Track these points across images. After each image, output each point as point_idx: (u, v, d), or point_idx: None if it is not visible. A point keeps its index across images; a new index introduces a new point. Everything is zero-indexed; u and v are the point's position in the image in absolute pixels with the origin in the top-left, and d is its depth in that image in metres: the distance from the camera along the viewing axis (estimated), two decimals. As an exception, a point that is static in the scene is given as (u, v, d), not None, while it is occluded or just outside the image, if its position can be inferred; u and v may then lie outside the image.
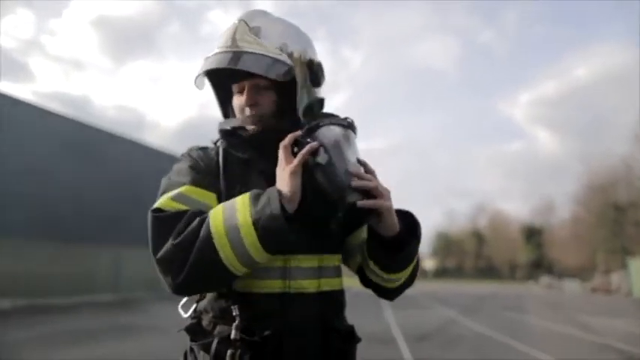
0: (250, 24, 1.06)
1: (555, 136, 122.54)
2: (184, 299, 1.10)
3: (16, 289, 12.85)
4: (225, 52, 1.04)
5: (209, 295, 1.05)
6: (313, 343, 1.00)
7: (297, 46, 1.09)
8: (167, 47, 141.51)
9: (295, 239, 0.94)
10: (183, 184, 1.01)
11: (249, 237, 0.90)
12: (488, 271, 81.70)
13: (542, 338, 9.23)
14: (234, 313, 0.98)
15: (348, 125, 1.04)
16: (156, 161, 20.45)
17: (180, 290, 0.96)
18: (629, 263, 27.34)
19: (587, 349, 8.03)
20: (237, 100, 1.11)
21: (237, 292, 1.00)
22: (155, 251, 0.95)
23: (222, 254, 0.90)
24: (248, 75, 1.04)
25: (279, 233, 0.90)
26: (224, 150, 1.08)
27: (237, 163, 1.08)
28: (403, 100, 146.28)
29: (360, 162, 1.00)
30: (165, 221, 0.95)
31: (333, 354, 1.02)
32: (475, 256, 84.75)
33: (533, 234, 73.87)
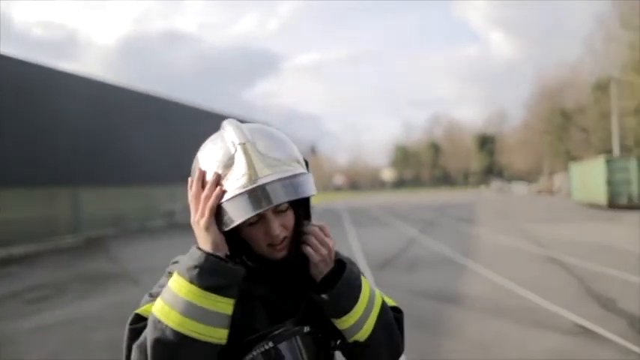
0: (256, 145, 0.90)
1: (511, 40, 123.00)
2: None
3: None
4: (256, 187, 0.86)
5: None
6: None
7: (294, 147, 0.97)
8: None
9: (232, 267, 0.87)
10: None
11: (182, 286, 0.84)
12: (444, 179, 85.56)
13: (496, 256, 9.93)
14: None
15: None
16: (100, 92, 19.21)
17: None
18: (570, 167, 29.19)
19: (537, 266, 8.74)
20: (256, 230, 0.94)
21: None
22: None
23: (169, 322, 0.83)
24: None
25: (208, 265, 0.84)
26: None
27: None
28: (362, 7, 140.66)
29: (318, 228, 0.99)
30: (137, 331, 0.88)
31: None
32: (431, 165, 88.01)
33: (486, 142, 76.82)
